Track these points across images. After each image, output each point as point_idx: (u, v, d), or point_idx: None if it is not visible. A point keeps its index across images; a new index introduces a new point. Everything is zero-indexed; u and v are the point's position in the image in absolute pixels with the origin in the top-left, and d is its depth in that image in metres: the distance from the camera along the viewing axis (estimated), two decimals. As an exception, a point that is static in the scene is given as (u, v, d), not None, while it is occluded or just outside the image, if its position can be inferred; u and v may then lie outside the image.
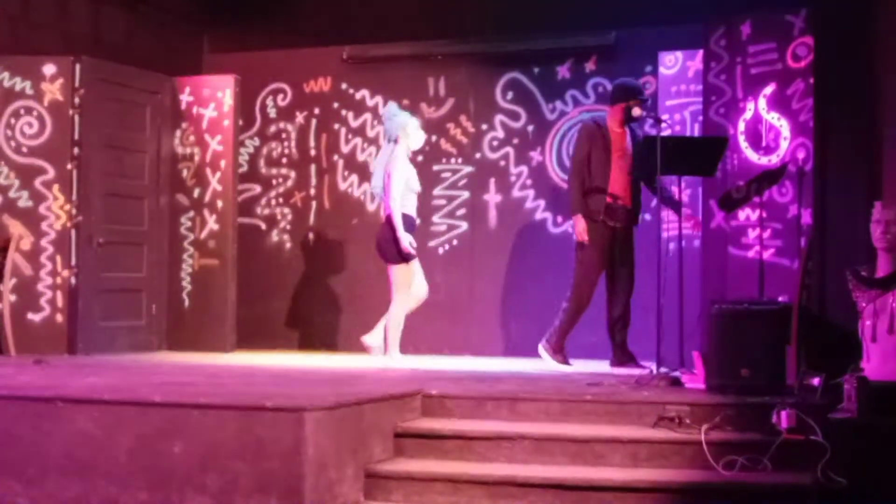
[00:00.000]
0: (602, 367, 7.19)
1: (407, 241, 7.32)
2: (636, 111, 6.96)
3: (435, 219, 9.20)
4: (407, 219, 7.42)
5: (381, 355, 7.46)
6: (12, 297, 7.98)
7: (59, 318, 8.12)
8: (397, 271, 7.38)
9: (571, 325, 7.18)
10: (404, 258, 7.33)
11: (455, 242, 9.17)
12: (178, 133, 8.97)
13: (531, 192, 8.96)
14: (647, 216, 7.79)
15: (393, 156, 7.44)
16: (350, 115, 9.47)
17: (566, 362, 7.12)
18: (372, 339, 7.53)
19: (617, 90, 7.16)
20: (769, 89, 6.56)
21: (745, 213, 6.59)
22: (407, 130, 7.47)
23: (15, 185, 8.16)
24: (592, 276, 7.10)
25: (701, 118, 7.19)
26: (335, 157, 9.51)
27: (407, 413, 5.38)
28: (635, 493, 4.68)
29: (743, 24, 6.65)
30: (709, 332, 5.96)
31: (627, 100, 6.99)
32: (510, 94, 9.04)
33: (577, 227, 7.07)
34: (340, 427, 4.80)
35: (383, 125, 7.69)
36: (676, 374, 6.16)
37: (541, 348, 7.18)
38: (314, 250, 9.53)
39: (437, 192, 9.17)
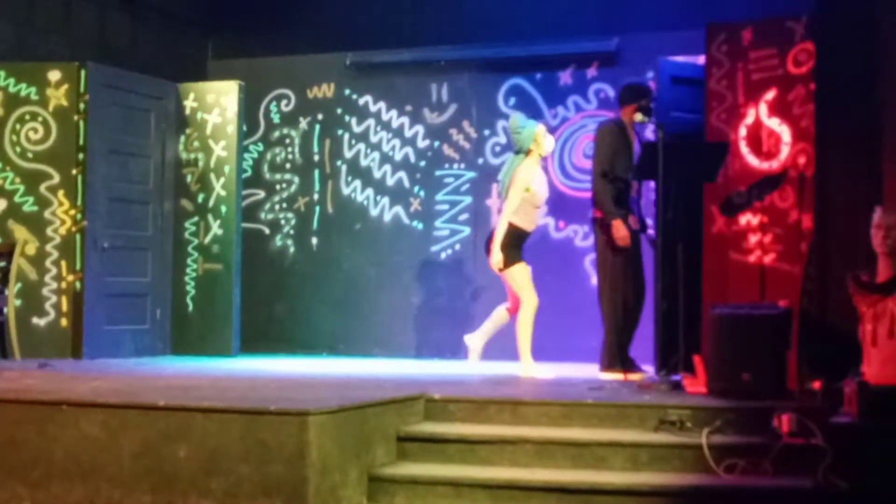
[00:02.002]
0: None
1: (496, 257, 6.98)
2: (638, 116, 6.98)
3: (437, 224, 9.25)
4: (519, 232, 7.06)
5: (476, 360, 7.27)
6: (17, 302, 8.02)
7: (64, 322, 8.16)
8: (510, 274, 7.04)
9: (620, 336, 6.87)
10: (507, 263, 7.00)
11: (457, 247, 9.21)
12: (182, 138, 9.01)
13: (533, 198, 8.98)
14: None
15: (524, 166, 7.05)
16: (353, 120, 9.52)
17: (631, 371, 6.75)
18: (472, 340, 7.30)
19: (628, 92, 7.08)
20: (770, 95, 6.58)
21: (747, 218, 6.61)
22: (538, 140, 7.06)
23: (20, 191, 8.21)
24: (624, 283, 6.88)
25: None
26: (338, 163, 9.55)
27: (410, 417, 5.41)
28: (636, 496, 4.70)
29: (744, 31, 6.66)
30: (710, 336, 5.98)
31: (639, 101, 6.95)
32: (512, 100, 9.07)
33: (619, 234, 6.76)
34: (344, 431, 4.83)
35: (511, 138, 7.23)
36: (677, 377, 6.18)
37: (602, 375, 6.86)
38: (317, 255, 9.57)
39: (439, 197, 9.22)
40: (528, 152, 7.07)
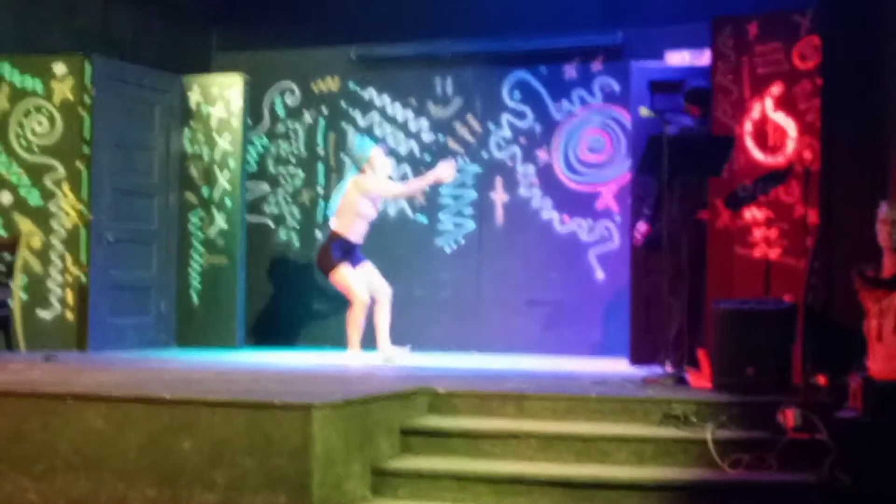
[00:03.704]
0: (606, 364, 7.22)
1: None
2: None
3: (442, 217, 9.24)
4: (339, 238, 7.50)
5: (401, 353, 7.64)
6: (23, 295, 8.04)
7: (70, 315, 8.17)
8: (333, 278, 7.56)
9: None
10: (330, 267, 7.49)
11: (462, 241, 9.20)
12: (187, 131, 9.01)
13: (538, 192, 8.99)
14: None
15: (359, 179, 7.56)
16: (358, 114, 9.51)
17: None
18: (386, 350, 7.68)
19: (704, 95, 6.97)
20: (776, 89, 6.57)
21: (752, 213, 6.60)
22: (372, 162, 7.58)
23: (26, 184, 8.22)
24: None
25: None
26: (343, 156, 9.55)
27: (414, 410, 5.42)
28: (641, 490, 4.71)
29: (750, 24, 6.65)
30: (715, 330, 5.98)
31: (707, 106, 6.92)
32: (517, 94, 9.06)
33: None
34: (348, 424, 4.83)
35: (352, 157, 7.85)
36: (682, 372, 6.17)
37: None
38: (322, 248, 9.56)
39: (444, 190, 9.20)
40: (362, 170, 7.60)
